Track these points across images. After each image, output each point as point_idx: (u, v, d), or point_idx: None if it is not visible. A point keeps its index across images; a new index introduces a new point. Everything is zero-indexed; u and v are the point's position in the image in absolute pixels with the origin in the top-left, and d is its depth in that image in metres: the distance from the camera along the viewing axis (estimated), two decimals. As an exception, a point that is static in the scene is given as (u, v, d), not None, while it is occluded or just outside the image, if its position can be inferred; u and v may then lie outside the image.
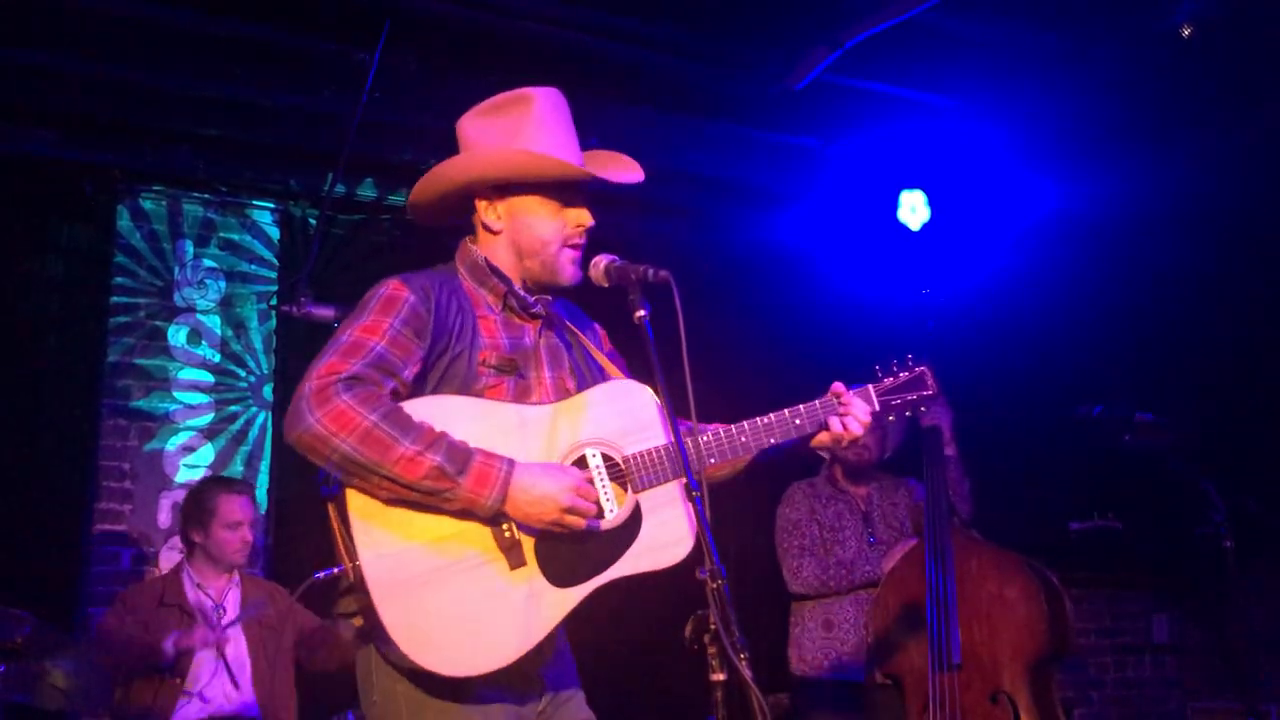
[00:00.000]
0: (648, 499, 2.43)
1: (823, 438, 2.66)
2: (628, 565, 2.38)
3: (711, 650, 2.08)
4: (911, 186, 5.97)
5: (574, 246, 2.54)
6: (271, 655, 4.39)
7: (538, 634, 2.30)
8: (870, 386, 2.73)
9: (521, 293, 2.55)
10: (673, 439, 2.41)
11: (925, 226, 5.96)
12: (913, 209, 5.94)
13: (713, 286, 5.53)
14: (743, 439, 2.55)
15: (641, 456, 2.44)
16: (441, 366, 2.42)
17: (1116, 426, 4.15)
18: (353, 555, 2.25)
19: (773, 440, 2.57)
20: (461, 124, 2.61)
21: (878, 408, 2.71)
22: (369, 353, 2.31)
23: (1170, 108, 5.21)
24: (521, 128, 2.52)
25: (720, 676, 2.08)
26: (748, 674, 2.01)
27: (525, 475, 2.28)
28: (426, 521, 2.28)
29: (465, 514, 2.28)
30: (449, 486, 2.22)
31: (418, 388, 2.40)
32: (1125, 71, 5.02)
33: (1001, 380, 5.98)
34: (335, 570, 2.30)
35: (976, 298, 5.98)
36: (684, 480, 2.41)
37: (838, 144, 5.78)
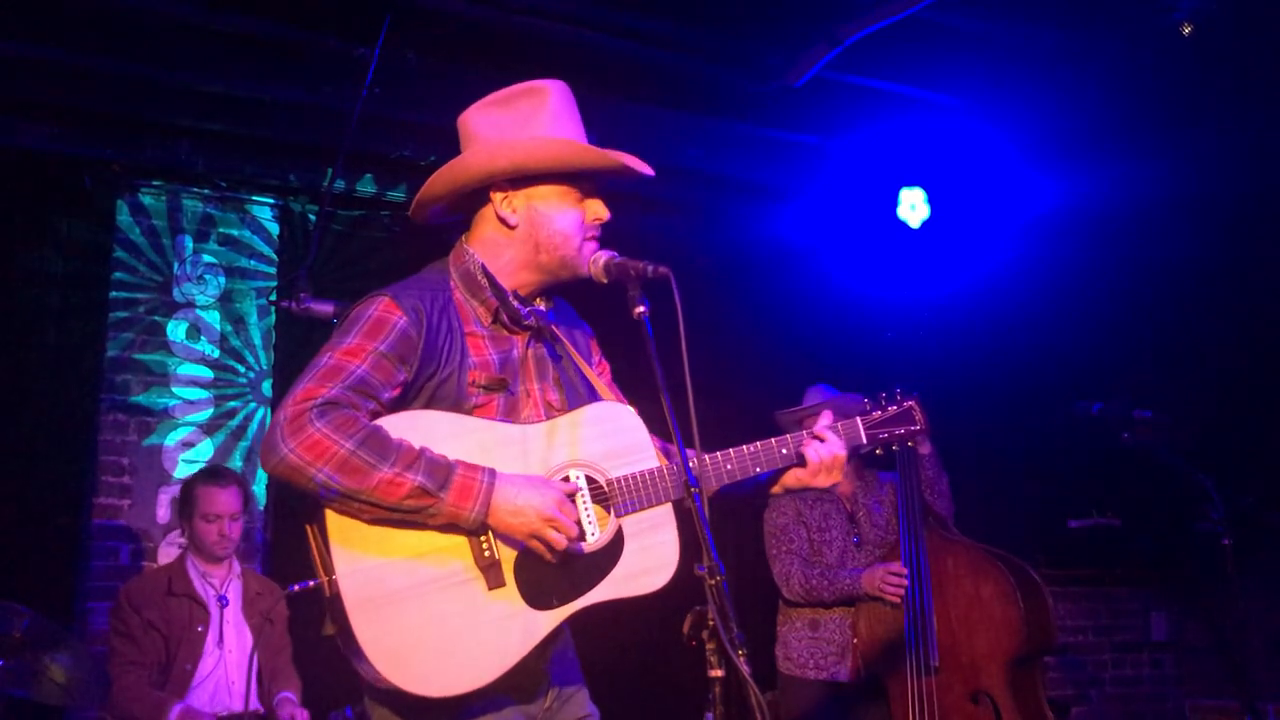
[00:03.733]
0: (631, 523, 2.39)
1: (794, 478, 2.64)
2: (606, 590, 2.34)
3: (710, 646, 2.08)
4: (911, 184, 5.96)
5: (593, 239, 2.50)
6: (275, 649, 4.40)
7: (513, 657, 2.26)
8: (859, 419, 2.72)
9: (515, 304, 2.48)
10: (656, 465, 2.43)
11: (925, 224, 5.96)
12: (912, 206, 5.94)
13: (712, 282, 5.53)
14: (729, 466, 2.52)
15: (626, 480, 2.40)
16: (430, 389, 2.38)
17: (1115, 424, 4.16)
18: (329, 570, 2.21)
19: (758, 469, 2.56)
20: (467, 117, 2.55)
21: (865, 440, 2.70)
22: (349, 376, 2.26)
23: (1169, 105, 5.20)
24: (535, 119, 2.47)
25: (718, 673, 2.08)
26: (746, 671, 2.01)
27: (508, 486, 2.25)
28: (405, 538, 2.24)
29: (448, 529, 2.25)
30: (431, 503, 2.19)
31: (397, 408, 2.34)
32: (1125, 68, 5.02)
33: (1001, 378, 5.99)
34: (310, 584, 2.27)
35: (976, 295, 5.99)
36: (668, 505, 2.42)
37: (837, 141, 5.78)
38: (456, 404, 2.38)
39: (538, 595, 2.30)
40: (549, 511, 2.25)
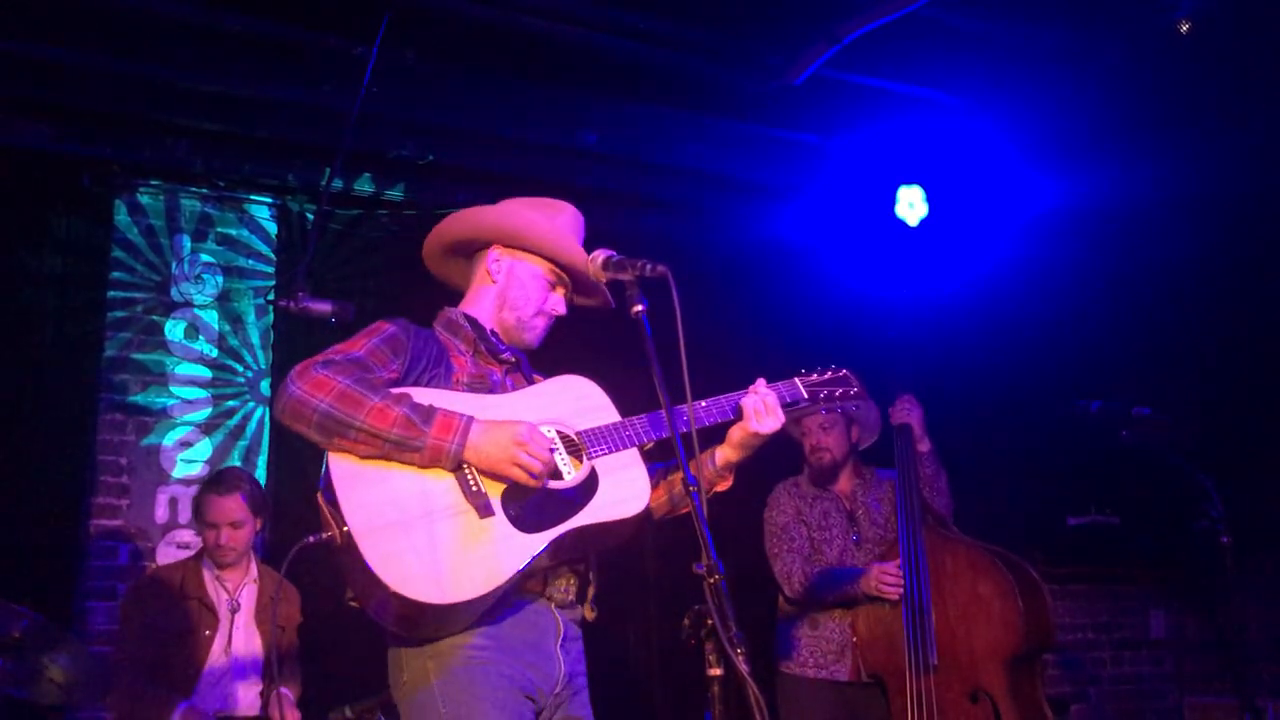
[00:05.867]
0: (602, 464, 2.66)
1: (740, 431, 2.85)
2: (589, 516, 2.59)
3: (708, 645, 2.09)
4: (910, 182, 5.96)
5: (544, 320, 2.92)
6: (283, 652, 4.39)
7: (512, 568, 2.47)
8: (797, 378, 3.02)
9: (493, 340, 2.84)
10: (620, 419, 2.75)
11: (923, 222, 5.96)
12: (911, 205, 5.94)
13: (710, 281, 5.53)
14: (685, 416, 2.70)
15: (592, 431, 2.69)
16: (421, 385, 2.66)
17: (1114, 422, 4.16)
18: (340, 520, 2.42)
19: (711, 420, 2.84)
20: (504, 202, 3.00)
21: (805, 395, 2.98)
22: (348, 354, 2.60)
23: (1169, 103, 5.20)
24: (554, 220, 2.92)
25: (717, 671, 2.09)
26: (745, 669, 2.02)
27: (482, 424, 2.52)
28: (401, 483, 2.48)
29: (432, 464, 2.48)
30: (416, 435, 2.45)
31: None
32: (1124, 67, 5.02)
33: (1000, 376, 5.99)
34: (324, 535, 2.47)
35: (975, 294, 5.99)
36: (634, 450, 2.73)
37: (836, 139, 5.78)
38: None
39: (525, 523, 2.54)
40: (521, 437, 2.49)
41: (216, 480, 4.39)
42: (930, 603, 4.21)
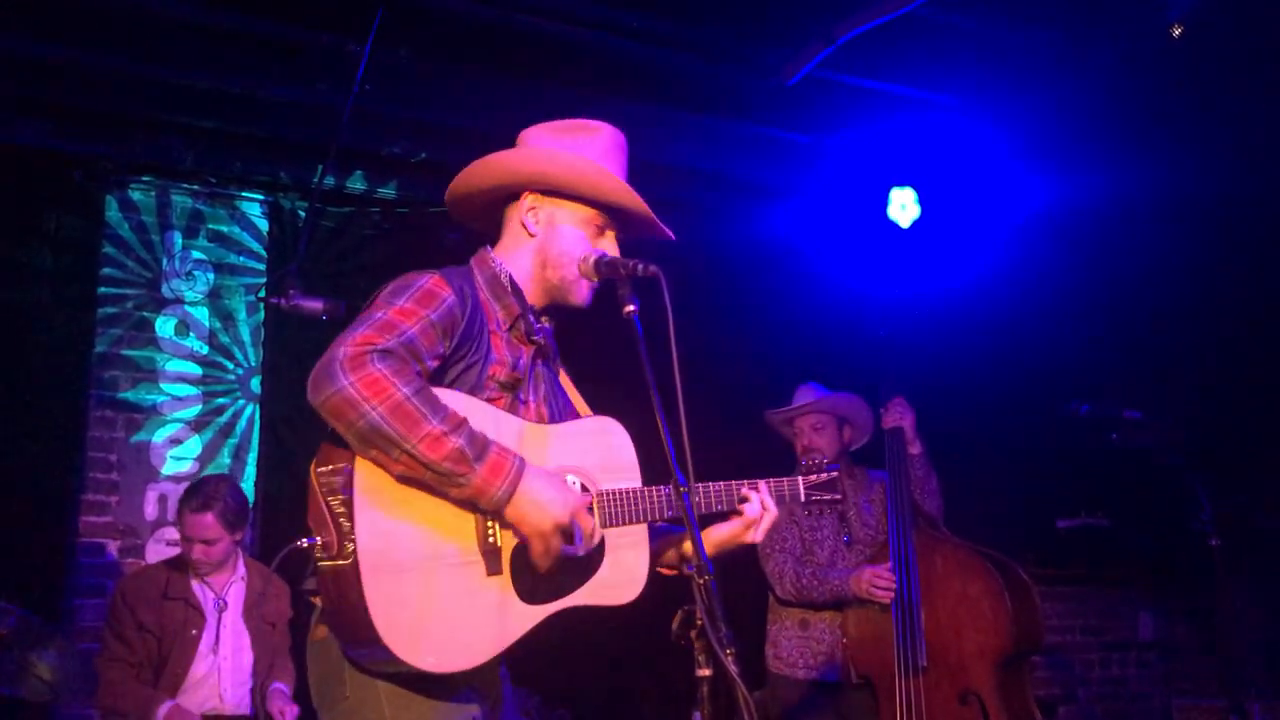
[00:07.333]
0: (610, 537, 2.47)
1: (729, 532, 2.67)
2: (585, 595, 2.42)
3: (698, 645, 2.08)
4: (902, 183, 5.97)
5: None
6: (274, 648, 4.38)
7: (505, 641, 2.31)
8: (800, 479, 2.81)
9: (531, 318, 2.58)
10: (641, 486, 2.52)
11: (915, 223, 5.97)
12: (903, 206, 5.95)
13: (702, 281, 5.53)
14: (694, 499, 2.52)
15: (613, 494, 2.48)
16: (456, 371, 2.43)
17: (1104, 425, 4.17)
18: (344, 532, 2.22)
19: (720, 507, 2.64)
20: (526, 130, 2.67)
21: (804, 499, 2.80)
22: (402, 334, 2.28)
23: (1161, 105, 5.21)
24: (585, 148, 2.60)
25: (706, 672, 2.08)
26: (734, 669, 2.02)
27: (536, 478, 2.30)
28: (423, 511, 2.28)
29: (467, 504, 2.28)
30: (465, 472, 2.21)
31: (431, 382, 2.39)
32: (1117, 69, 5.03)
33: (990, 378, 5.99)
34: (320, 540, 2.26)
35: (966, 295, 6.00)
36: (644, 526, 2.52)
37: (829, 140, 5.78)
38: (472, 392, 2.43)
39: (528, 588, 2.34)
40: (566, 517, 2.30)
41: (193, 494, 4.31)
42: (920, 604, 4.22)
